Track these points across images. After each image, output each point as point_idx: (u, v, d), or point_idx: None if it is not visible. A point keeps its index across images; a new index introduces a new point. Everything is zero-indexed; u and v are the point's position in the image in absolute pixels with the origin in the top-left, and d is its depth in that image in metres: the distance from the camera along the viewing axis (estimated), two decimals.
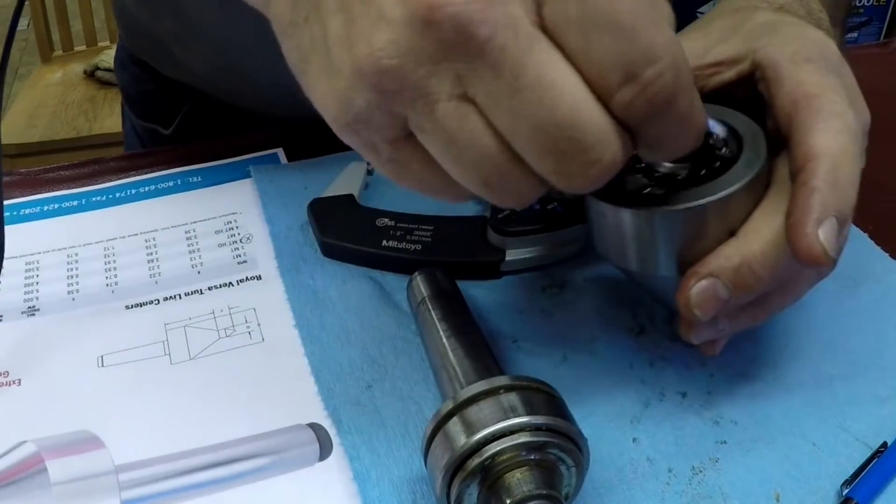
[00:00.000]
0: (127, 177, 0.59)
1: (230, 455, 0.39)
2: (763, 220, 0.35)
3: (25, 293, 0.49)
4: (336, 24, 0.28)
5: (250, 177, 0.57)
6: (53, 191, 0.57)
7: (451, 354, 0.39)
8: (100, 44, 1.97)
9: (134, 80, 0.76)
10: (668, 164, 0.36)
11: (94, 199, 0.56)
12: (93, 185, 0.58)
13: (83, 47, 1.98)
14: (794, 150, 0.35)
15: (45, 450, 0.38)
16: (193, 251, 0.51)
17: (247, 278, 0.49)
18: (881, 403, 0.41)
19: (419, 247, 0.48)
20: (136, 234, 0.53)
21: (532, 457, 0.32)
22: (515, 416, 0.32)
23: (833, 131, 0.34)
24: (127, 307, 0.47)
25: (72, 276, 0.50)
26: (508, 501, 0.32)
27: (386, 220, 0.50)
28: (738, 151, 0.36)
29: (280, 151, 0.60)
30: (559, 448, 0.33)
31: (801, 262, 0.33)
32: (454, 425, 0.33)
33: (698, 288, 0.34)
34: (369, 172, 0.55)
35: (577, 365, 0.43)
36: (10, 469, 0.37)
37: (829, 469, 0.38)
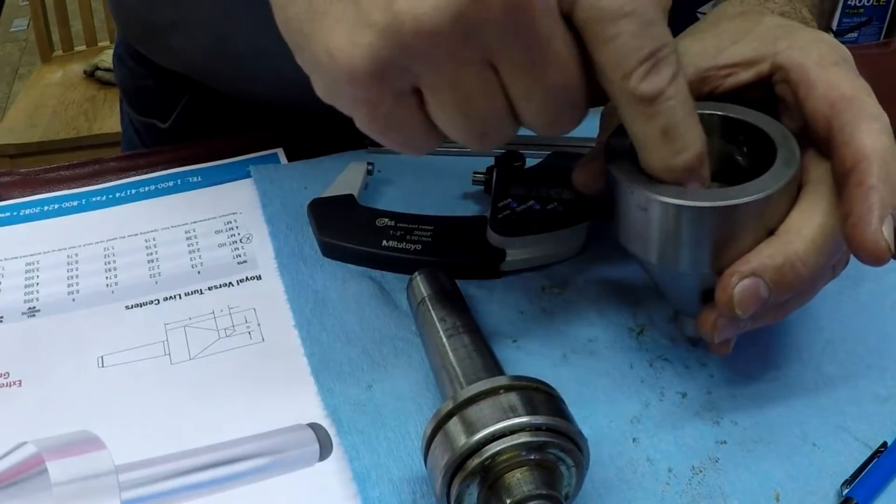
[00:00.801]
0: (127, 177, 0.59)
1: (230, 455, 0.39)
2: (803, 220, 0.35)
3: (25, 294, 0.49)
4: None
5: (250, 177, 0.57)
6: (53, 191, 0.57)
7: (451, 354, 0.39)
8: (100, 44, 1.97)
9: (131, 75, 0.76)
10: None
11: (94, 199, 0.56)
12: (93, 185, 0.58)
13: (83, 47, 1.98)
14: (840, 150, 0.35)
15: (46, 450, 0.38)
16: (193, 251, 0.51)
17: (247, 278, 0.49)
18: (881, 403, 0.41)
19: (419, 247, 0.48)
20: (136, 234, 0.53)
21: (532, 457, 0.32)
22: (515, 416, 0.32)
23: (876, 132, 0.35)
24: (127, 307, 0.48)
25: (72, 277, 0.50)
26: (508, 501, 0.32)
27: (386, 220, 0.50)
28: (766, 152, 0.36)
29: (280, 151, 0.60)
30: (559, 448, 0.33)
31: (865, 259, 0.34)
32: (454, 425, 0.33)
33: (742, 286, 0.35)
34: (369, 172, 0.55)
35: (577, 365, 0.43)
36: (11, 470, 0.37)
37: (829, 469, 0.38)
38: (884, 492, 0.37)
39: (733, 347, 0.40)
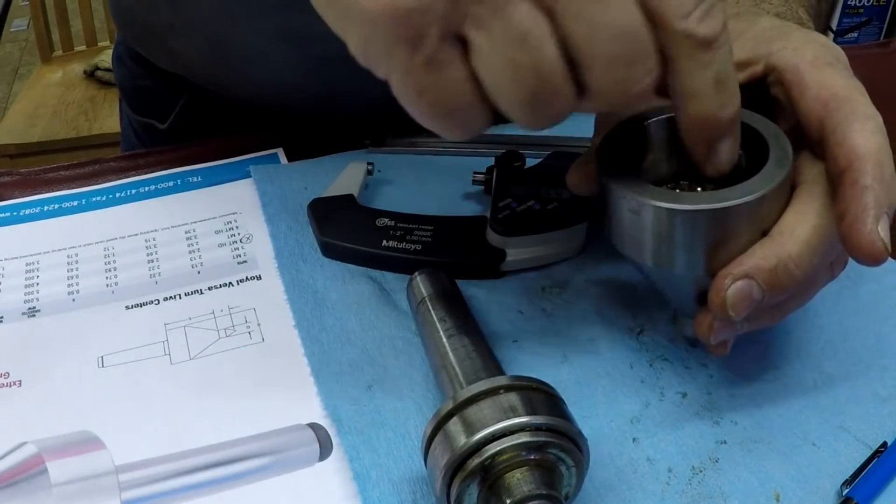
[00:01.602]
0: (127, 177, 0.59)
1: (230, 455, 0.39)
2: (796, 221, 0.35)
3: (26, 294, 0.49)
4: None
5: (250, 177, 0.57)
6: (53, 191, 0.57)
7: (451, 354, 0.39)
8: (100, 44, 1.97)
9: (131, 75, 0.76)
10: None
11: (94, 199, 0.56)
12: (93, 185, 0.58)
13: (83, 47, 1.98)
14: (834, 150, 0.35)
15: (46, 451, 0.38)
16: (193, 251, 0.51)
17: (247, 278, 0.49)
18: (881, 403, 0.41)
19: (419, 247, 0.48)
20: (136, 234, 0.53)
21: (532, 457, 0.32)
22: (515, 416, 0.32)
23: (869, 131, 0.35)
24: (127, 307, 0.48)
25: (72, 277, 0.50)
26: (508, 501, 0.32)
27: (386, 220, 0.50)
28: (759, 151, 0.36)
29: (280, 151, 0.60)
30: (559, 448, 0.33)
31: (861, 259, 0.34)
32: (454, 425, 0.33)
33: (735, 288, 0.35)
34: (369, 172, 0.55)
35: (577, 365, 0.43)
36: (11, 470, 0.37)
37: (829, 469, 0.38)
38: (884, 492, 0.37)
39: (733, 347, 0.39)
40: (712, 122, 0.33)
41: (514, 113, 0.31)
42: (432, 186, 0.56)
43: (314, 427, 0.40)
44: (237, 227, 0.53)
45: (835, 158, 0.35)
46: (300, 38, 0.58)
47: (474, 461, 0.32)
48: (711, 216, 0.34)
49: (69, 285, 0.49)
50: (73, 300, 0.48)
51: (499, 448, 0.32)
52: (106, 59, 1.81)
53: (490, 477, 0.32)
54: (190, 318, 0.46)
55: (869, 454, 0.38)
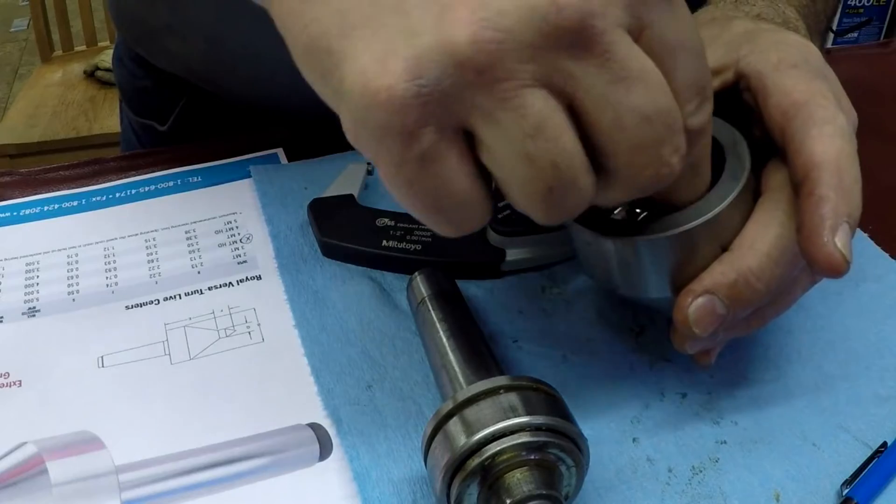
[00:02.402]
0: (127, 177, 0.59)
1: (230, 455, 0.39)
2: (757, 233, 0.34)
3: (26, 294, 0.49)
4: None
5: (250, 177, 0.57)
6: (53, 191, 0.57)
7: (451, 354, 0.39)
8: (100, 44, 1.97)
9: (130, 76, 0.76)
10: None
11: (94, 199, 0.56)
12: (93, 185, 0.58)
13: (83, 47, 1.98)
14: (793, 159, 0.34)
15: (46, 451, 0.38)
16: (193, 251, 0.51)
17: (247, 278, 0.49)
18: (881, 403, 0.41)
19: (419, 247, 0.48)
20: (136, 234, 0.53)
21: (532, 457, 0.32)
22: (515, 416, 0.32)
23: (828, 136, 0.34)
24: (127, 307, 0.48)
25: (72, 277, 0.50)
26: (508, 501, 0.32)
27: (386, 220, 0.50)
28: (720, 160, 0.36)
29: (280, 151, 0.60)
30: (559, 448, 0.33)
31: (820, 272, 0.33)
32: (454, 425, 0.33)
33: (696, 306, 0.34)
34: (369, 172, 0.55)
35: (577, 365, 0.43)
36: (11, 470, 0.37)
37: (829, 469, 0.38)
38: (884, 492, 0.37)
39: (733, 348, 0.40)
40: (680, 201, 0.34)
41: (528, 209, 0.28)
42: None
43: (314, 427, 0.40)
44: (237, 227, 0.53)
45: (794, 168, 0.34)
46: None
47: (474, 461, 0.32)
48: (663, 244, 0.34)
49: (69, 285, 0.49)
50: (73, 300, 0.48)
51: (499, 448, 0.32)
52: (106, 59, 1.81)
53: (490, 477, 0.32)
54: (190, 318, 0.46)
55: (869, 454, 0.38)
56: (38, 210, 0.56)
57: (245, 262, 0.50)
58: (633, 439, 0.39)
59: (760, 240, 0.34)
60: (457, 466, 0.32)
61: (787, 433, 0.39)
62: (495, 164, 0.27)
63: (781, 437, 0.39)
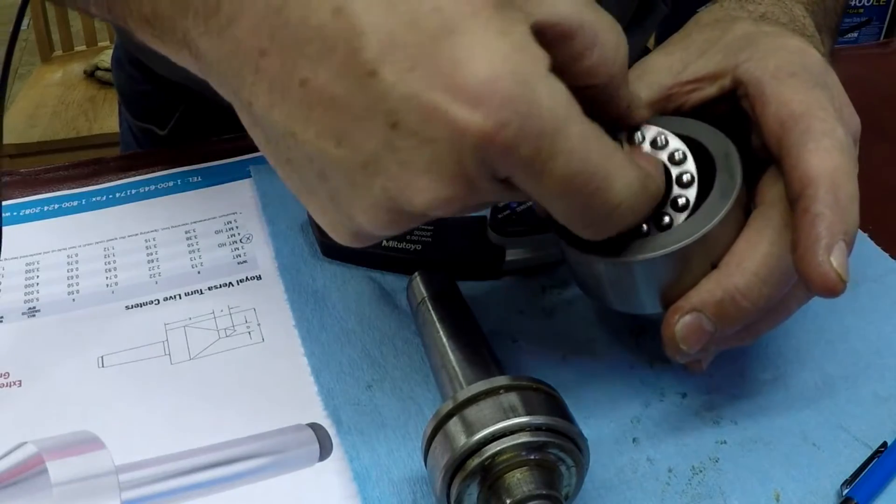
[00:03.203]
0: (127, 177, 0.59)
1: (230, 455, 0.39)
2: (746, 250, 0.34)
3: (26, 294, 0.49)
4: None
5: (250, 177, 0.57)
6: (53, 191, 0.57)
7: (451, 354, 0.39)
8: (100, 44, 1.97)
9: (130, 80, 0.76)
10: None
11: (94, 199, 0.56)
12: (93, 185, 0.58)
13: (83, 47, 1.98)
14: (789, 173, 0.33)
15: (46, 450, 0.38)
16: (193, 251, 0.51)
17: (247, 278, 0.49)
18: (881, 403, 0.41)
19: (419, 247, 0.48)
20: (136, 234, 0.53)
21: (532, 457, 0.32)
22: (515, 416, 0.32)
23: (825, 150, 0.33)
24: (127, 307, 0.47)
25: (72, 277, 0.50)
26: (508, 501, 0.32)
27: None
28: (707, 172, 0.35)
29: None
30: (559, 448, 0.33)
31: (815, 291, 0.32)
32: (454, 425, 0.33)
33: (683, 323, 0.34)
34: None
35: (577, 365, 0.43)
36: (11, 470, 0.37)
37: (829, 469, 0.38)
38: (884, 492, 0.37)
39: (735, 348, 0.39)
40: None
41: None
42: None
43: (314, 427, 0.40)
44: (237, 228, 0.53)
45: (790, 183, 0.33)
46: None
47: (474, 461, 0.32)
48: (653, 263, 0.34)
49: (69, 285, 0.49)
50: (73, 300, 0.48)
51: (499, 448, 0.32)
52: (106, 59, 1.81)
53: (490, 477, 0.32)
54: (190, 318, 0.46)
55: (869, 454, 0.38)
56: (38, 210, 0.56)
57: (245, 262, 0.50)
58: (633, 439, 0.39)
59: (749, 258, 0.34)
60: (457, 466, 0.32)
61: (787, 433, 0.39)
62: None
63: (781, 437, 0.39)
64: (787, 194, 0.34)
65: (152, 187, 0.57)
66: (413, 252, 0.48)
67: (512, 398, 0.33)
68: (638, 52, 0.72)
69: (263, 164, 0.58)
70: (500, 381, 0.34)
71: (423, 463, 0.34)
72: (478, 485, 0.32)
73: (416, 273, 0.45)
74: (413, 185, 0.28)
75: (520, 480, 0.32)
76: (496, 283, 0.48)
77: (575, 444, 0.33)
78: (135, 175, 0.59)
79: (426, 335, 0.42)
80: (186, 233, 0.53)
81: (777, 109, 0.34)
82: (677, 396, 0.41)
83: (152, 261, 0.51)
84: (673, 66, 0.38)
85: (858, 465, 0.37)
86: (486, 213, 0.49)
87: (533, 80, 0.27)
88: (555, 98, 0.28)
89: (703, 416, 0.40)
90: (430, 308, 0.43)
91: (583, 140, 0.28)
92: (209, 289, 0.48)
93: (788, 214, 0.34)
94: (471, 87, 0.26)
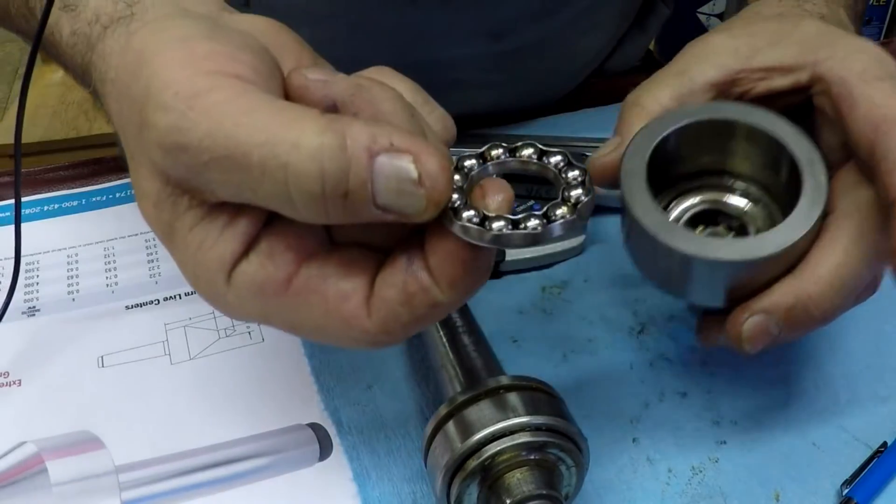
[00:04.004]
0: (127, 177, 0.58)
1: (230, 455, 0.39)
2: (821, 259, 0.34)
3: (25, 293, 0.49)
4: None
5: None
6: (53, 191, 0.57)
7: (451, 354, 0.39)
8: None
9: None
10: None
11: (94, 199, 0.56)
12: (93, 185, 0.58)
13: None
14: (885, 179, 0.33)
15: (46, 450, 0.38)
16: None
17: None
18: (881, 403, 0.41)
19: None
20: (136, 234, 0.53)
21: (532, 457, 0.32)
22: (515, 416, 0.32)
23: None
24: (127, 307, 0.47)
25: (72, 277, 0.50)
26: (508, 501, 0.32)
27: None
28: (796, 178, 0.34)
29: None
30: (559, 448, 0.33)
31: None
32: (454, 425, 0.33)
33: (751, 323, 0.34)
34: None
35: (577, 365, 0.43)
36: (11, 469, 0.37)
37: (829, 469, 0.38)
38: (884, 492, 0.37)
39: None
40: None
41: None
42: None
43: (314, 427, 0.40)
44: None
45: (885, 188, 0.33)
46: None
47: (474, 461, 0.32)
48: (735, 266, 0.33)
49: (69, 285, 0.49)
50: (73, 300, 0.48)
51: (499, 448, 0.32)
52: None
53: (490, 477, 0.32)
54: (190, 318, 0.46)
55: (869, 454, 0.38)
56: (38, 210, 0.56)
57: None
58: (633, 439, 0.39)
59: (824, 266, 0.33)
60: (457, 466, 0.32)
61: (787, 433, 0.39)
62: None
63: (781, 437, 0.39)
64: (882, 199, 0.33)
65: None
66: None
67: (512, 398, 0.33)
68: (639, 54, 0.72)
69: None
70: (500, 381, 0.34)
71: (423, 463, 0.34)
72: (478, 485, 0.32)
73: None
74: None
75: (520, 480, 0.32)
76: (496, 283, 0.48)
77: (575, 444, 0.33)
78: None
79: (426, 335, 0.42)
80: None
81: (869, 112, 0.34)
82: (677, 396, 0.41)
83: (152, 261, 0.51)
84: (739, 49, 0.37)
85: (858, 465, 0.37)
86: None
87: None
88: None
89: (703, 416, 0.40)
90: None
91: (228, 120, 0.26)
92: None
93: (864, 225, 0.34)
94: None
